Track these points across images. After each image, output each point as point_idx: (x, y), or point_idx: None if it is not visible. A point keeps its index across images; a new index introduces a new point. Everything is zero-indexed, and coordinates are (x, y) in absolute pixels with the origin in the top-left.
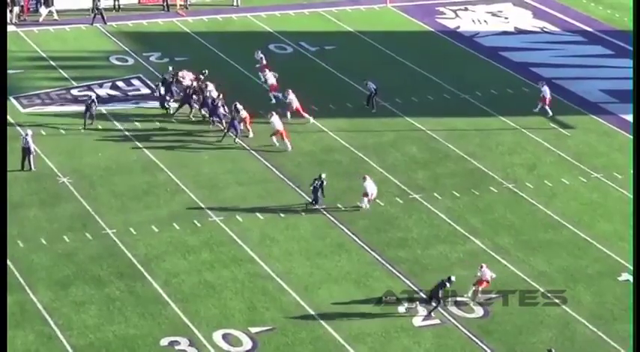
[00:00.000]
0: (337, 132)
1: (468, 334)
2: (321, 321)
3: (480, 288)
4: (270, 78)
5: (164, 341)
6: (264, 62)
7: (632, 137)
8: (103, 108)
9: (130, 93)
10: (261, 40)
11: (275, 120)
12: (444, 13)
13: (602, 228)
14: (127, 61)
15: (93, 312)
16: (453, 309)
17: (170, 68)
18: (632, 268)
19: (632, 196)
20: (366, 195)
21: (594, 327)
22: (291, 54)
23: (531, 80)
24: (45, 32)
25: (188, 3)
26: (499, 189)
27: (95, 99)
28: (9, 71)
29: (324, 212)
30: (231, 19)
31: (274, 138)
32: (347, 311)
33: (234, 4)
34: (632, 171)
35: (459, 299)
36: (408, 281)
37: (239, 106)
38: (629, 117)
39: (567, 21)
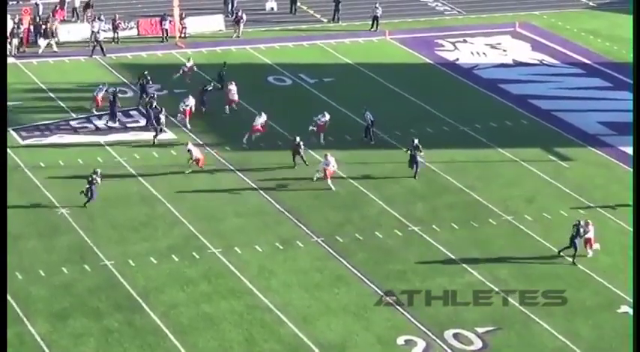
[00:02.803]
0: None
1: None
2: None
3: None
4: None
5: None
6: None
7: (632, 148)
8: (102, 140)
9: (128, 125)
10: (260, 72)
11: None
12: (443, 46)
13: (601, 261)
14: (126, 92)
15: (91, 344)
16: (453, 342)
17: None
18: (632, 297)
19: (632, 229)
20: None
21: None
22: (290, 86)
23: (530, 113)
24: (44, 64)
25: (185, 34)
26: (498, 221)
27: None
28: (8, 103)
29: (323, 244)
30: (231, 50)
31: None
32: (346, 343)
33: (234, 35)
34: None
35: (458, 331)
36: (407, 314)
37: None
38: (628, 150)
39: (566, 53)
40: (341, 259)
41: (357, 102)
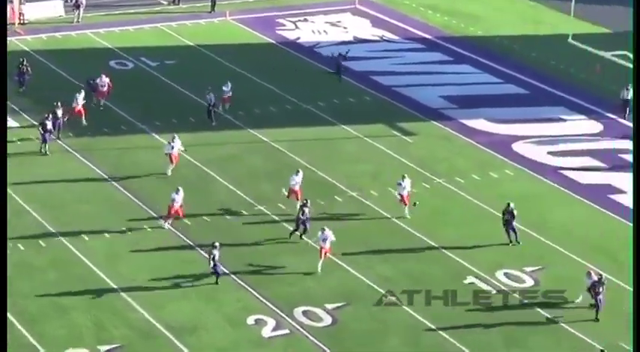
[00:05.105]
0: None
1: (318, 343)
2: (171, 337)
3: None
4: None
5: None
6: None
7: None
8: None
9: None
10: (101, 57)
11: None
12: (284, 25)
13: (447, 233)
14: None
15: None
16: (302, 319)
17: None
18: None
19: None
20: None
21: (441, 331)
22: (132, 69)
23: (372, 89)
24: None
25: (24, 21)
26: (344, 197)
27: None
28: None
29: (171, 227)
30: (71, 36)
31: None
32: (196, 326)
33: (75, 21)
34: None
35: (307, 308)
36: (255, 293)
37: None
38: (469, 122)
39: (406, 29)
40: (189, 242)
41: (200, 84)
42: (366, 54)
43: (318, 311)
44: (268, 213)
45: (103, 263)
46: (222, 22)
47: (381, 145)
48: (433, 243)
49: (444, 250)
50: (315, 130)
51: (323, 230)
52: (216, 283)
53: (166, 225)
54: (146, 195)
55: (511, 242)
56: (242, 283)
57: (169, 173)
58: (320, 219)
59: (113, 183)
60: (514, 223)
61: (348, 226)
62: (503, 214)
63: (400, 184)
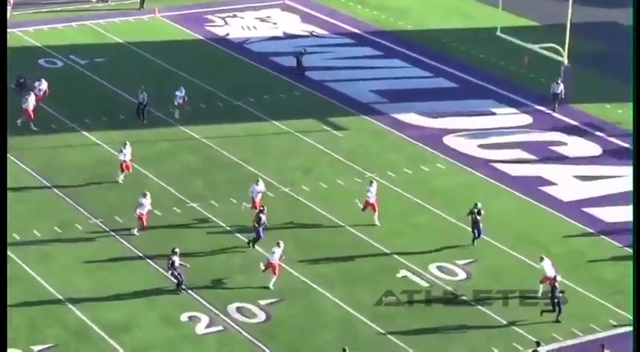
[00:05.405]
0: (111, 145)
1: (252, 339)
2: (105, 336)
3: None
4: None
5: None
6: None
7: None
8: None
9: None
10: (30, 55)
11: None
12: (213, 21)
13: (379, 227)
14: None
15: None
16: (236, 315)
17: None
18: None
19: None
20: (546, 278)
21: (376, 325)
22: (61, 68)
23: (303, 84)
24: None
25: None
26: (276, 193)
27: None
28: None
29: (103, 225)
30: None
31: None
32: (130, 324)
33: None
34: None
35: (241, 305)
36: (192, 292)
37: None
38: (400, 116)
39: (335, 24)
40: (122, 240)
41: (130, 82)
42: (295, 49)
43: (252, 307)
44: (201, 210)
45: (36, 263)
46: (151, 19)
47: (312, 140)
48: (366, 238)
49: (376, 244)
50: (246, 126)
51: (278, 244)
52: (179, 290)
53: (135, 231)
54: (77, 193)
55: (474, 240)
56: (175, 280)
57: (120, 180)
58: (250, 215)
59: (44, 181)
60: (481, 224)
61: (280, 222)
62: (472, 214)
63: (368, 190)
